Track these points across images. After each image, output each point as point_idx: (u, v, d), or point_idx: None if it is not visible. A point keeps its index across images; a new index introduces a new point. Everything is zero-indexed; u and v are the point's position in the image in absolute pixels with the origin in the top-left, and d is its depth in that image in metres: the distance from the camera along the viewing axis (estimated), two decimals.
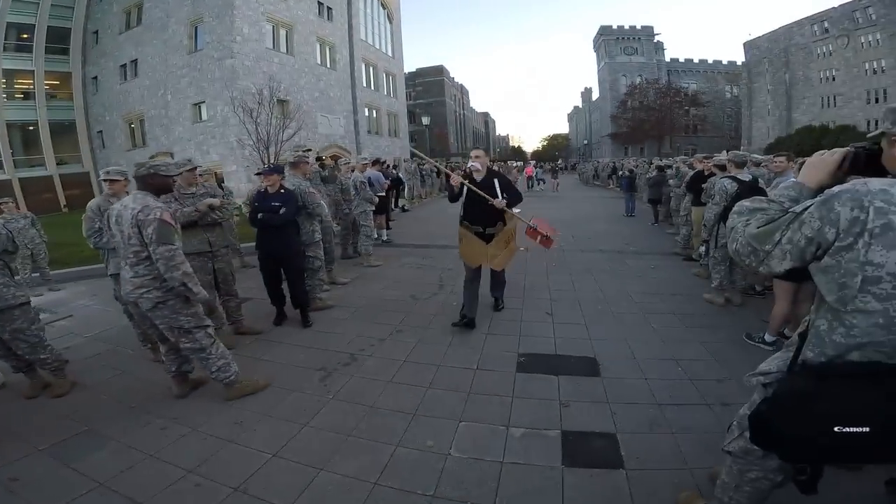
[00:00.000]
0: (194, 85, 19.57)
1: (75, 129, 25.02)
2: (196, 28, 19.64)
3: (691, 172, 6.41)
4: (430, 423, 2.58)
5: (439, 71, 61.75)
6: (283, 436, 2.50)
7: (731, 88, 58.10)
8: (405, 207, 13.38)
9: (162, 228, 2.55)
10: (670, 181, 8.46)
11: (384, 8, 31.03)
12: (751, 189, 4.02)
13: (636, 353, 3.43)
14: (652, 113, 53.04)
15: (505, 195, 3.77)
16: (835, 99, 38.23)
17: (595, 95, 72.12)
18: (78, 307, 5.31)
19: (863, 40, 35.60)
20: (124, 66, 22.43)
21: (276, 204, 3.92)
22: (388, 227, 9.43)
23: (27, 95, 23.70)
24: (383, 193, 7.84)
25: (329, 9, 24.39)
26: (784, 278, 3.14)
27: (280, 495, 2.04)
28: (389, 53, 31.74)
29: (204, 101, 19.57)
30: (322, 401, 2.88)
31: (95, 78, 24.28)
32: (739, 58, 52.71)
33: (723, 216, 4.13)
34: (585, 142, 73.97)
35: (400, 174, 15.52)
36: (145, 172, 2.70)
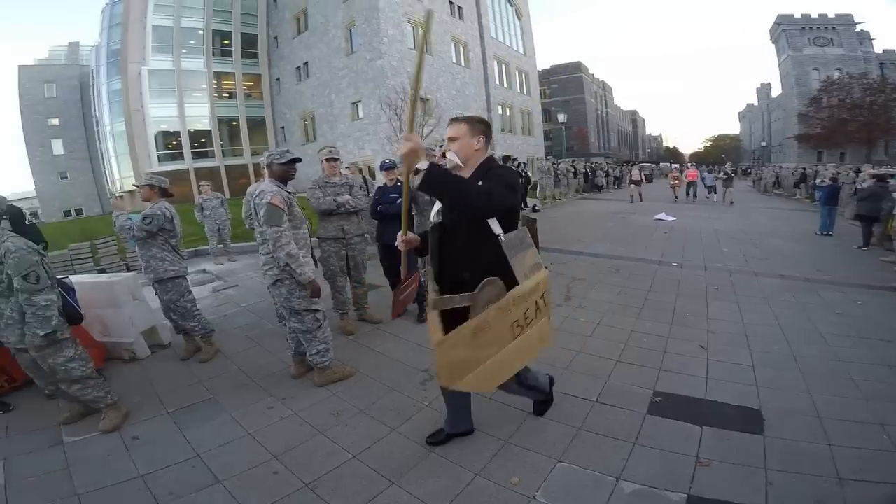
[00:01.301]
0: (352, 85, 21.76)
1: (265, 124, 29.88)
2: (350, 31, 21.65)
3: None
4: (523, 456, 2.20)
5: (577, 67, 58.70)
6: (370, 437, 2.40)
7: None
8: (536, 207, 12.76)
9: (270, 211, 2.67)
10: (895, 194, 6.29)
11: (511, 5, 30.64)
12: None
13: (821, 410, 2.50)
14: (858, 112, 42.24)
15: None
16: None
17: (776, 92, 60.48)
18: (244, 278, 6.11)
19: None
20: (298, 68, 25.88)
21: (395, 195, 3.90)
22: None
23: (230, 95, 29.07)
24: None
25: (460, 8, 24.81)
26: None
27: (344, 501, 1.95)
28: (521, 51, 31.28)
29: (360, 100, 21.63)
30: (417, 406, 2.71)
31: (278, 79, 28.50)
32: None
33: None
34: (763, 143, 62.48)
35: (529, 173, 15.00)
36: (267, 161, 2.85)
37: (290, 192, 2.88)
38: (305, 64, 25.10)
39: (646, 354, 3.28)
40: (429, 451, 2.24)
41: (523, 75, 31.40)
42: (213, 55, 27.82)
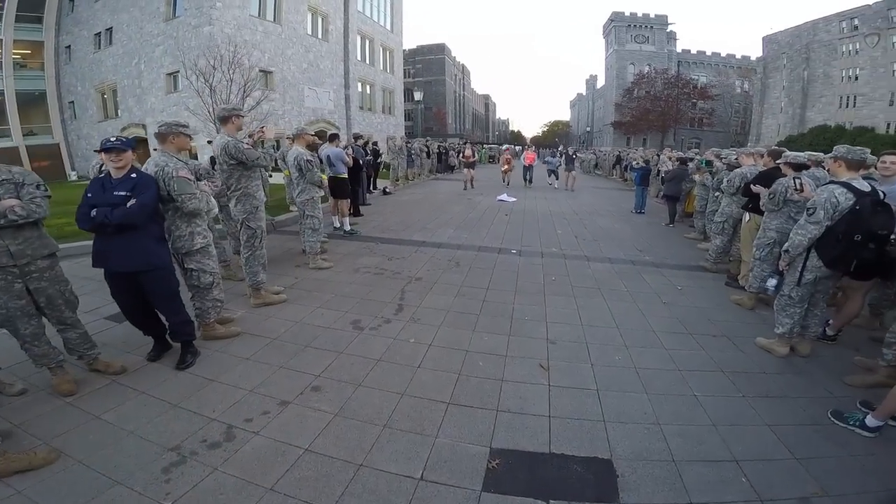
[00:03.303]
0: (169, 54, 18.08)
1: (45, 99, 23.44)
2: None
3: (747, 170, 4.84)
4: None
5: (441, 49, 59.49)
6: None
7: (741, 83, 56.12)
8: (386, 189, 12.03)
9: None
10: (693, 176, 7.11)
11: None
12: (874, 205, 2.70)
13: (674, 449, 2.21)
14: (658, 103, 51.28)
15: None
16: (855, 99, 36.22)
17: (600, 83, 70.06)
18: None
19: (895, 39, 33.63)
20: (98, 34, 21.04)
21: (121, 193, 2.59)
22: (357, 214, 8.11)
23: None
24: (344, 174, 6.47)
25: None
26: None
27: None
28: (388, 27, 29.86)
29: (178, 71, 17.93)
30: None
31: (69, 47, 22.82)
32: (754, 53, 50.81)
33: (821, 241, 2.85)
34: (588, 129, 72.04)
35: (381, 151, 14.25)
36: None
37: None
38: (109, 30, 20.37)
39: (482, 387, 2.72)
40: None
41: (388, 52, 30.03)
42: None
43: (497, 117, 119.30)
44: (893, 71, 33.68)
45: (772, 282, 3.30)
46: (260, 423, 2.34)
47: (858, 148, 3.07)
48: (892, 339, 2.71)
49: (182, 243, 3.00)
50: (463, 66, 71.80)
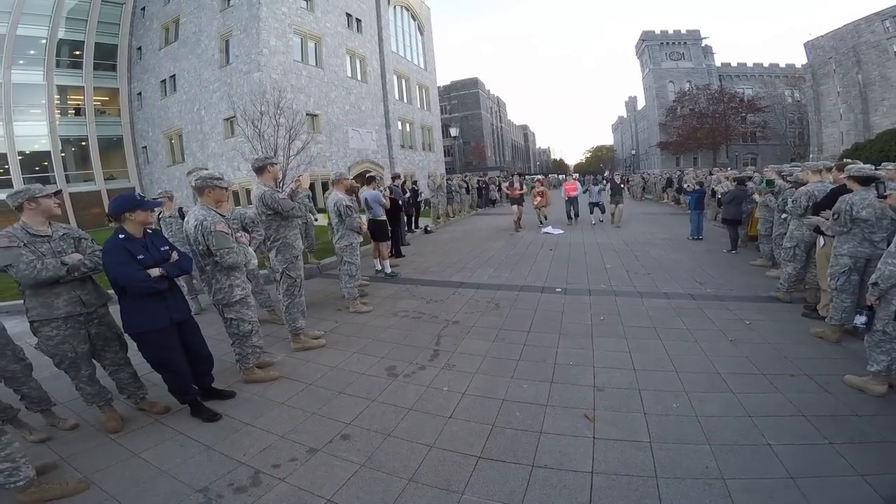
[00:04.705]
0: (225, 100, 19.34)
1: (122, 144, 25.71)
2: (227, 42, 19.62)
3: (814, 187, 4.35)
4: None
5: (474, 83, 60.78)
6: None
7: (791, 93, 52.81)
8: (428, 228, 11.86)
9: None
10: (755, 196, 6.51)
11: (414, 20, 30.41)
12: None
13: None
14: (704, 120, 48.90)
15: None
16: None
17: (641, 104, 68.64)
18: None
19: None
20: (164, 81, 22.82)
21: (165, 248, 2.76)
22: (398, 255, 8.08)
23: (78, 112, 24.55)
24: (383, 217, 6.46)
25: (358, 20, 23.93)
26: None
27: None
28: (421, 65, 30.98)
29: (234, 117, 19.32)
30: None
31: (140, 94, 24.90)
32: (798, 60, 47.85)
33: None
34: (633, 152, 70.13)
35: (420, 190, 14.24)
36: None
37: None
38: (172, 77, 22.15)
39: (517, 439, 2.45)
40: None
41: (424, 90, 31.02)
42: (59, 66, 23.34)
43: (537, 147, 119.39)
44: None
45: (860, 319, 2.81)
46: (287, 469, 2.31)
47: None
48: None
49: (222, 295, 3.09)
50: (498, 98, 72.88)
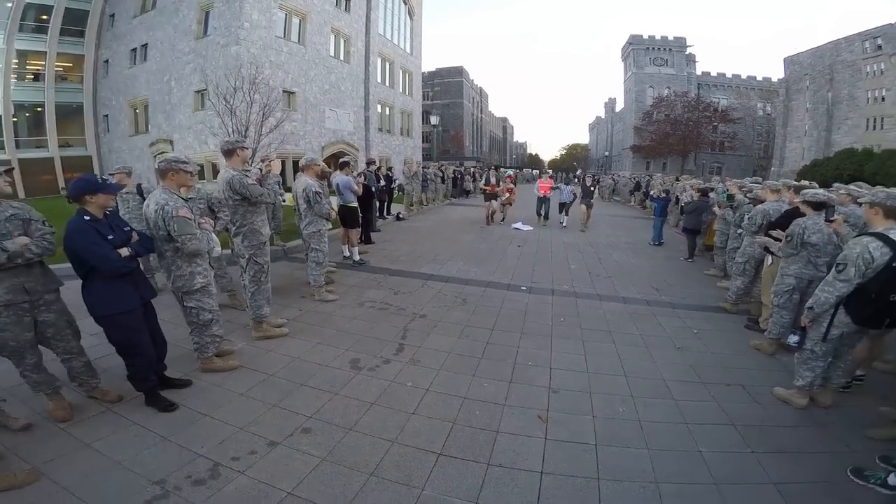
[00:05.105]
0: (198, 72, 18.47)
1: (82, 112, 24.48)
2: (207, 13, 18.74)
3: (770, 206, 4.64)
4: None
5: (459, 72, 60.20)
6: None
7: (763, 106, 54.92)
8: (400, 215, 11.83)
9: None
10: (715, 209, 6.86)
11: (405, 3, 29.72)
12: None
13: None
14: (678, 127, 50.09)
15: None
16: (882, 121, 34.92)
17: (619, 106, 69.83)
18: None
19: None
20: (135, 50, 21.77)
21: (126, 229, 2.74)
22: (368, 241, 8.06)
23: (37, 77, 23.19)
24: (354, 203, 6.44)
25: (347, 0, 23.19)
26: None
27: None
28: (408, 50, 30.44)
29: (206, 89, 18.57)
30: None
31: (107, 61, 23.73)
32: (775, 74, 49.70)
33: (850, 299, 2.68)
34: (606, 153, 71.48)
35: (394, 177, 14.14)
36: None
37: None
38: (144, 46, 21.13)
39: (476, 438, 2.59)
40: None
41: (407, 75, 30.54)
42: (22, 31, 21.95)
43: (515, 140, 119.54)
44: None
45: (793, 338, 3.09)
46: (246, 462, 2.32)
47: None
48: None
49: (182, 282, 2.99)
50: (481, 88, 72.48)
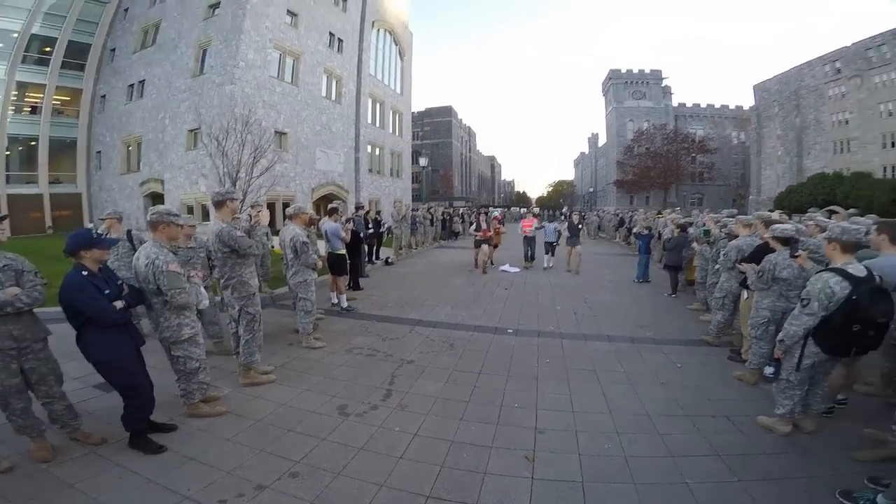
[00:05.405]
0: (193, 110, 18.72)
1: (75, 147, 24.35)
2: (204, 51, 19.22)
3: (743, 241, 4.81)
4: None
5: (448, 111, 61.46)
6: None
7: (737, 134, 56.76)
8: (389, 260, 11.75)
9: None
10: (694, 245, 7.09)
11: (396, 44, 30.71)
12: (871, 293, 2.65)
13: None
14: (658, 160, 50.77)
15: None
16: (848, 144, 35.77)
17: (602, 141, 71.83)
18: None
19: (877, 80, 33.41)
20: (132, 85, 22.00)
21: (119, 282, 2.90)
22: (356, 288, 8.00)
23: (34, 110, 23.23)
24: (342, 251, 6.50)
25: (340, 40, 23.95)
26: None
27: None
28: (398, 90, 31.14)
29: (199, 128, 18.82)
30: None
31: (104, 96, 23.85)
32: (747, 102, 51.36)
33: (818, 330, 2.83)
34: (591, 189, 72.97)
35: (383, 220, 14.07)
36: None
37: None
38: (142, 82, 21.41)
39: (463, 480, 2.61)
40: None
41: (397, 115, 31.05)
42: (24, 62, 22.25)
43: (503, 178, 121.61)
44: (881, 112, 33.39)
45: (769, 369, 3.24)
46: None
47: (854, 227, 3.12)
48: None
49: (170, 333, 3.04)
50: (469, 127, 73.83)
